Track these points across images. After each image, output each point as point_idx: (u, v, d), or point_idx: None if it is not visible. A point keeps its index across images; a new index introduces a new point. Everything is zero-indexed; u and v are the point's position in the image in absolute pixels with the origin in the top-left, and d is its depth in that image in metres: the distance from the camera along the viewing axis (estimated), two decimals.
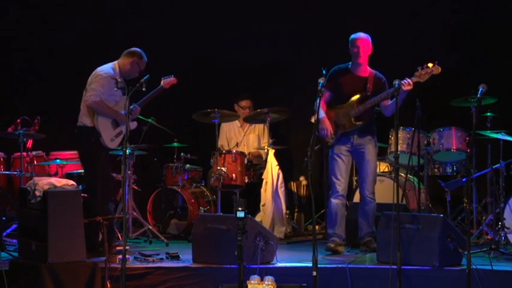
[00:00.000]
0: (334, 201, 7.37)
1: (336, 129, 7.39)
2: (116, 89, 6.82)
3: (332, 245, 7.27)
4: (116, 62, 7.47)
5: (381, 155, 9.02)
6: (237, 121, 9.24)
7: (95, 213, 6.90)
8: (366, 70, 7.41)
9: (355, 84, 7.36)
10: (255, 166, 9.02)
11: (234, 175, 8.57)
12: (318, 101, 6.67)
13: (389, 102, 7.26)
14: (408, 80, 6.98)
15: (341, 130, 7.38)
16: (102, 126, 7.29)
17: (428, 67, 7.00)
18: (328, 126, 7.32)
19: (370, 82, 7.32)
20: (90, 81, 7.34)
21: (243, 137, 9.39)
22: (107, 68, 7.38)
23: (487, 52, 9.14)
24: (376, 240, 7.11)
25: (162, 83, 7.84)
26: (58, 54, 9.90)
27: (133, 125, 7.60)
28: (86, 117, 7.30)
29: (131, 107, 7.34)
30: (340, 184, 7.36)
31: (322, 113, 7.23)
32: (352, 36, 7.39)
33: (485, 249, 7.06)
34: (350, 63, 7.43)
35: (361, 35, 7.36)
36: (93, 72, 7.38)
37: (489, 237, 7.83)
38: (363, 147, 7.38)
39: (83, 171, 8.38)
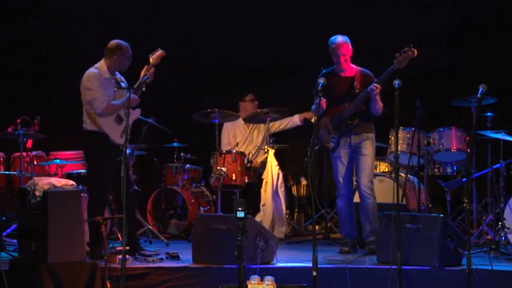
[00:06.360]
0: (340, 203, 7.45)
1: (333, 132, 7.39)
2: (115, 89, 6.79)
3: (346, 249, 7.32)
4: (101, 61, 7.33)
5: (381, 155, 9.03)
6: (240, 119, 9.23)
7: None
8: (351, 70, 7.36)
9: (342, 85, 7.31)
10: (254, 165, 9.02)
11: (234, 175, 8.56)
12: (318, 101, 6.67)
13: (372, 102, 7.23)
14: (374, 85, 7.04)
15: (338, 132, 7.36)
16: (106, 127, 7.19)
17: (405, 51, 6.92)
18: (323, 127, 7.32)
19: (357, 80, 7.29)
20: (83, 86, 7.24)
21: (248, 133, 9.39)
22: (93, 70, 7.26)
23: (487, 52, 9.14)
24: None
25: (150, 60, 7.37)
26: (58, 54, 9.90)
27: (136, 113, 7.43)
28: (87, 120, 7.23)
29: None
30: (342, 187, 7.39)
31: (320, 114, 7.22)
32: (330, 43, 7.30)
33: (485, 249, 7.07)
34: (335, 66, 7.39)
35: (339, 40, 7.25)
36: (83, 78, 7.28)
37: (489, 237, 7.83)
38: (360, 145, 7.36)
39: (83, 171, 8.40)
